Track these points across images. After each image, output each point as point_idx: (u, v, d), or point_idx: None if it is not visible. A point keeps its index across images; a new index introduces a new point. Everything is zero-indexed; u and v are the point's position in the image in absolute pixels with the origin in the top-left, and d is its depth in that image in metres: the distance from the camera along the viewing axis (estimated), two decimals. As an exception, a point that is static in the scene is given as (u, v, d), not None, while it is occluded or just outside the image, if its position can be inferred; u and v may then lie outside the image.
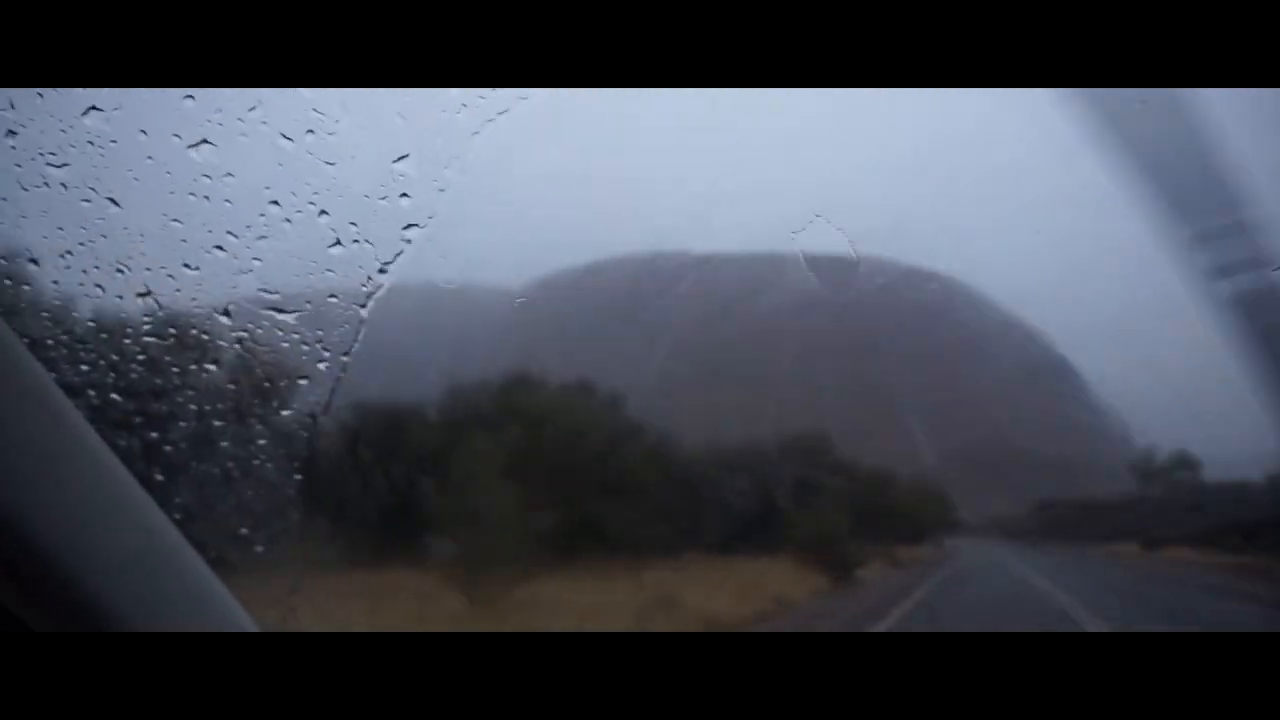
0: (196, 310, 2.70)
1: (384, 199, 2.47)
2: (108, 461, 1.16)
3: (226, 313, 2.66)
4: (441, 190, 2.48)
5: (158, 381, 2.94)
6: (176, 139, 2.06)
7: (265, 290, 2.71)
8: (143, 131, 1.98)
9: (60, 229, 2.14)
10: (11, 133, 1.89)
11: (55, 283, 2.34)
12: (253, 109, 2.12)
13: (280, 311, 2.80)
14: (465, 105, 2.33)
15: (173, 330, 2.75)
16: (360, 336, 2.98)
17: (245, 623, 1.34)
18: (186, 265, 2.56)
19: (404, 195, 2.46)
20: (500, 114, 2.32)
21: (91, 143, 1.93)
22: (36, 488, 1.04)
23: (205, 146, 2.10)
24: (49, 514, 1.05)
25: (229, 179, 2.26)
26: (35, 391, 1.05)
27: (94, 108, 1.88)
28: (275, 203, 2.30)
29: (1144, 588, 14.72)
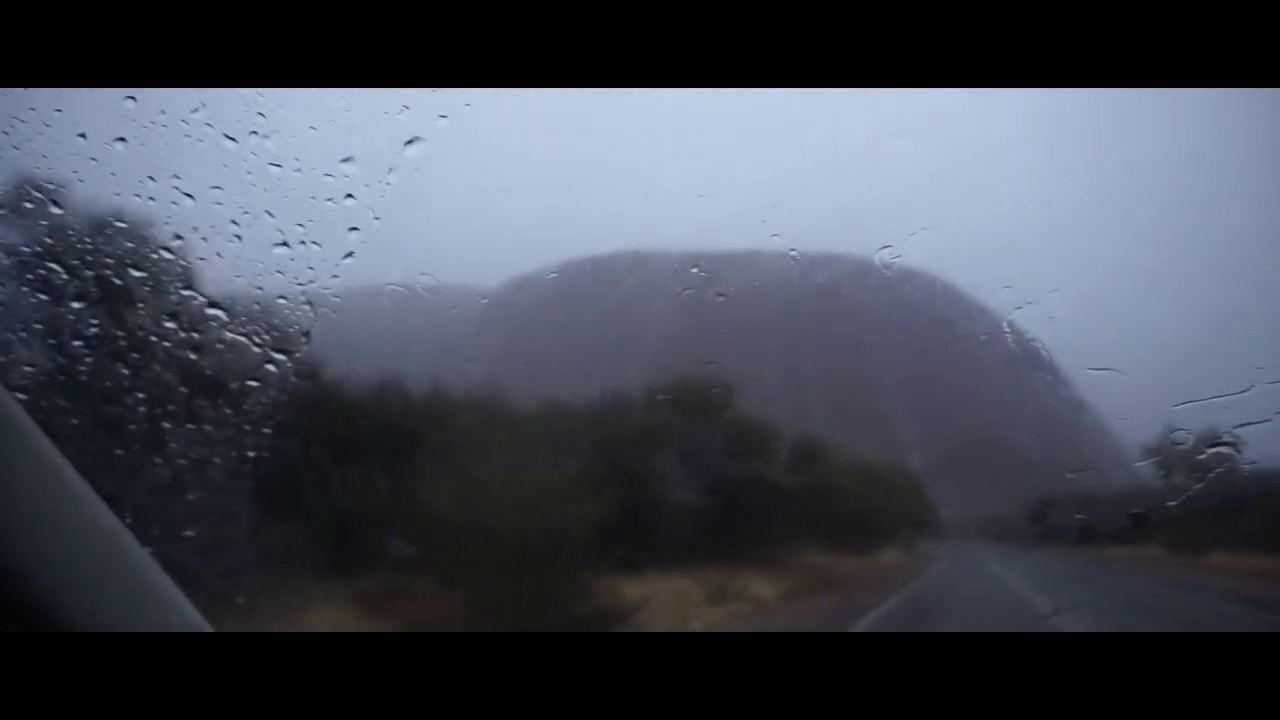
0: (143, 313, 2.72)
1: (330, 200, 2.51)
2: (58, 464, 1.17)
3: (174, 315, 2.68)
4: (385, 192, 2.53)
5: (107, 384, 2.96)
6: (121, 142, 2.09)
7: (212, 293, 2.74)
8: (81, 136, 2.00)
9: (3, 232, 2.16)
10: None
11: (0, 285, 2.36)
12: (196, 110, 2.15)
13: (229, 313, 2.83)
14: (407, 107, 2.38)
15: (120, 334, 2.77)
16: (310, 338, 3.02)
17: (197, 622, 1.34)
18: (134, 268, 2.59)
19: (349, 196, 2.50)
20: (441, 118, 2.37)
21: (31, 140, 1.95)
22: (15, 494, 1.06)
23: (149, 147, 2.13)
24: (2, 516, 1.06)
25: (174, 181, 2.29)
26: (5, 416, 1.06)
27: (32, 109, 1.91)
28: (221, 204, 2.34)
29: (1185, 606, 12.34)
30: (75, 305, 2.75)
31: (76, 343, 2.82)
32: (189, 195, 2.39)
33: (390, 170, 2.53)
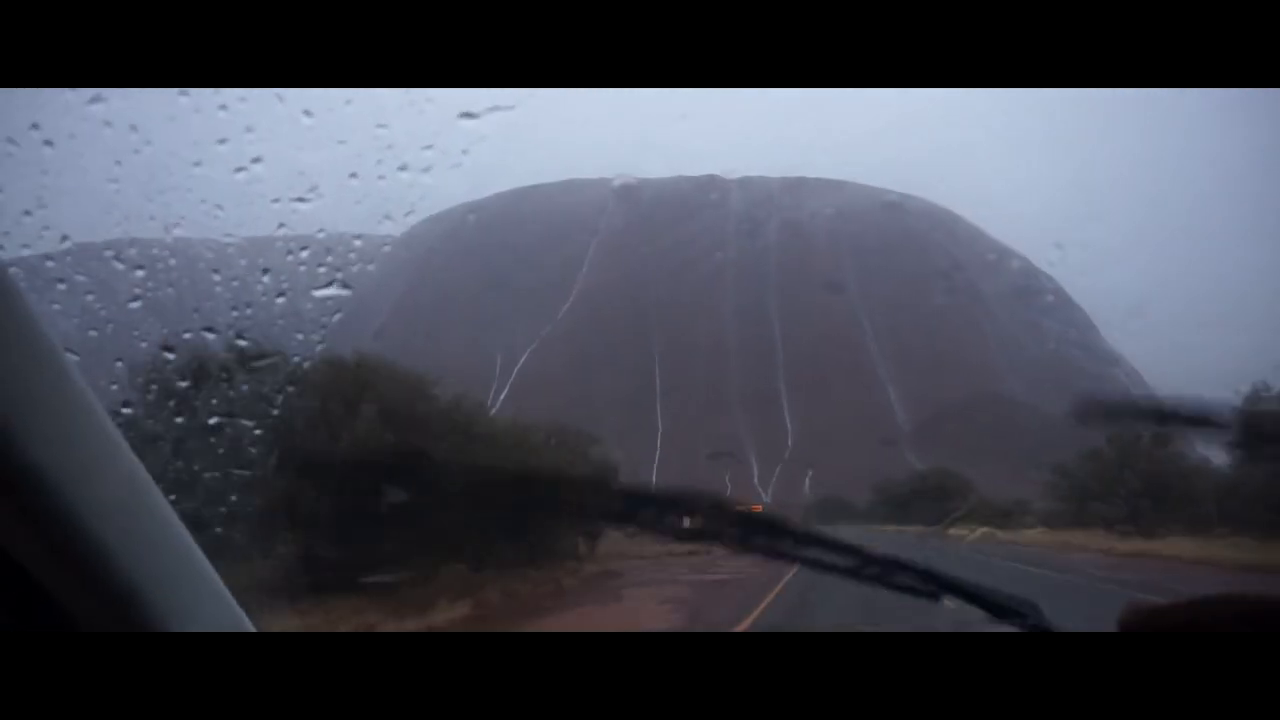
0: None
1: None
2: (135, 466, 1.19)
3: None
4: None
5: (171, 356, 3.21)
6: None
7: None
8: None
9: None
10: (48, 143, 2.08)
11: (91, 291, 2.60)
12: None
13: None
14: (472, 113, 2.60)
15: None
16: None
17: (242, 622, 1.38)
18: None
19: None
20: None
21: (138, 152, 2.14)
22: (88, 488, 1.08)
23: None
24: (102, 515, 1.10)
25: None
26: (72, 394, 1.07)
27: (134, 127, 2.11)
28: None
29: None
30: (139, 273, 2.98)
31: (133, 304, 3.05)
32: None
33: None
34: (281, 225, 2.75)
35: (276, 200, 2.65)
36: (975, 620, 1.50)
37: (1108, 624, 1.13)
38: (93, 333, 2.74)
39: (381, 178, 2.93)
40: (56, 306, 2.65)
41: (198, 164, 2.51)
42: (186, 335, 2.96)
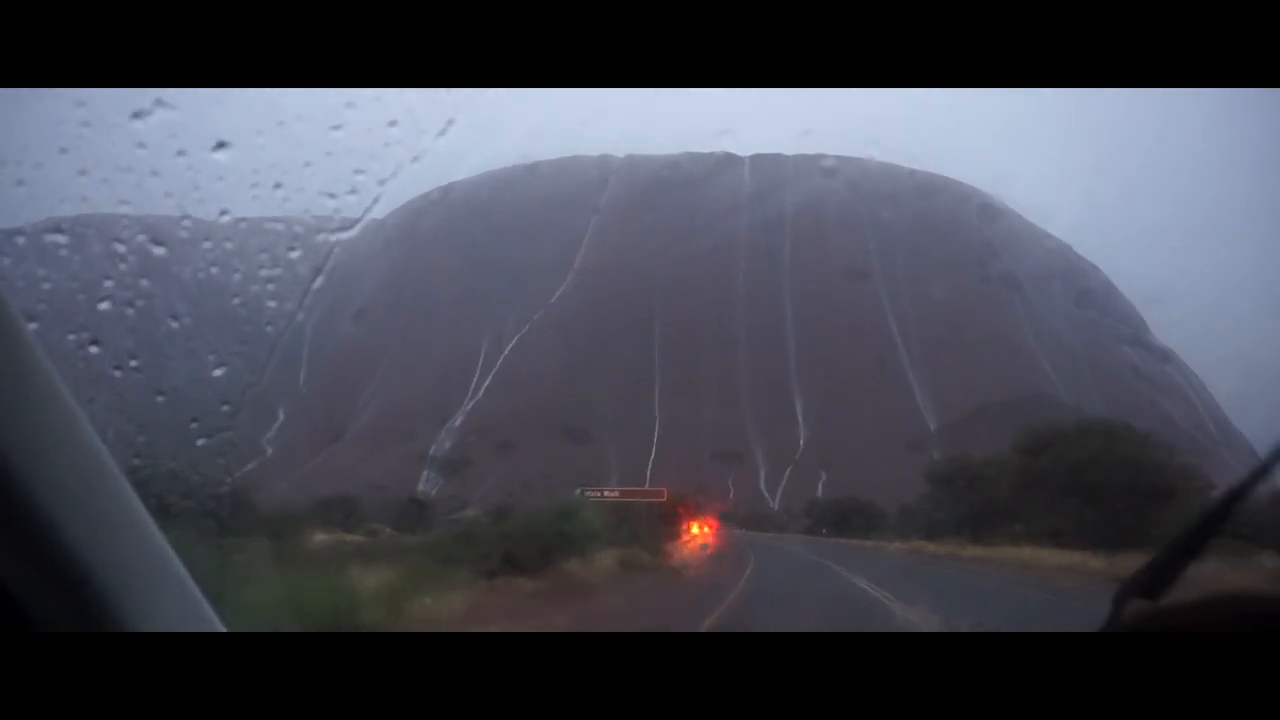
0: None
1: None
2: (100, 451, 1.20)
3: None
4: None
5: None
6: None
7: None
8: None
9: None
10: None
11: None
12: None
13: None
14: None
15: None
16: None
17: (212, 622, 1.40)
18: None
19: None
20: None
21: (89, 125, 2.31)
22: (46, 474, 1.08)
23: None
24: (61, 503, 1.11)
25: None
26: (33, 372, 1.10)
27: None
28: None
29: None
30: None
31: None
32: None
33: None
34: (254, 185, 2.82)
35: (231, 148, 2.70)
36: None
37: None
38: (41, 305, 2.81)
39: (368, 130, 3.01)
40: (6, 259, 2.68)
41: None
42: (142, 302, 3.03)
